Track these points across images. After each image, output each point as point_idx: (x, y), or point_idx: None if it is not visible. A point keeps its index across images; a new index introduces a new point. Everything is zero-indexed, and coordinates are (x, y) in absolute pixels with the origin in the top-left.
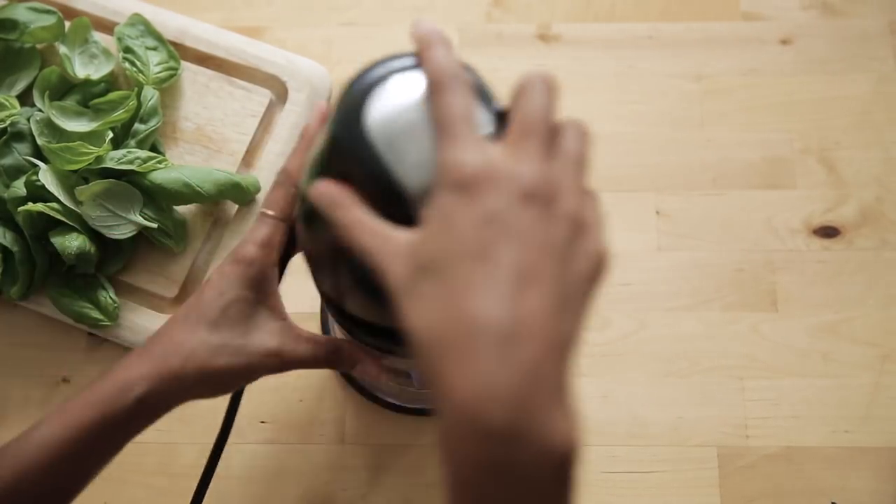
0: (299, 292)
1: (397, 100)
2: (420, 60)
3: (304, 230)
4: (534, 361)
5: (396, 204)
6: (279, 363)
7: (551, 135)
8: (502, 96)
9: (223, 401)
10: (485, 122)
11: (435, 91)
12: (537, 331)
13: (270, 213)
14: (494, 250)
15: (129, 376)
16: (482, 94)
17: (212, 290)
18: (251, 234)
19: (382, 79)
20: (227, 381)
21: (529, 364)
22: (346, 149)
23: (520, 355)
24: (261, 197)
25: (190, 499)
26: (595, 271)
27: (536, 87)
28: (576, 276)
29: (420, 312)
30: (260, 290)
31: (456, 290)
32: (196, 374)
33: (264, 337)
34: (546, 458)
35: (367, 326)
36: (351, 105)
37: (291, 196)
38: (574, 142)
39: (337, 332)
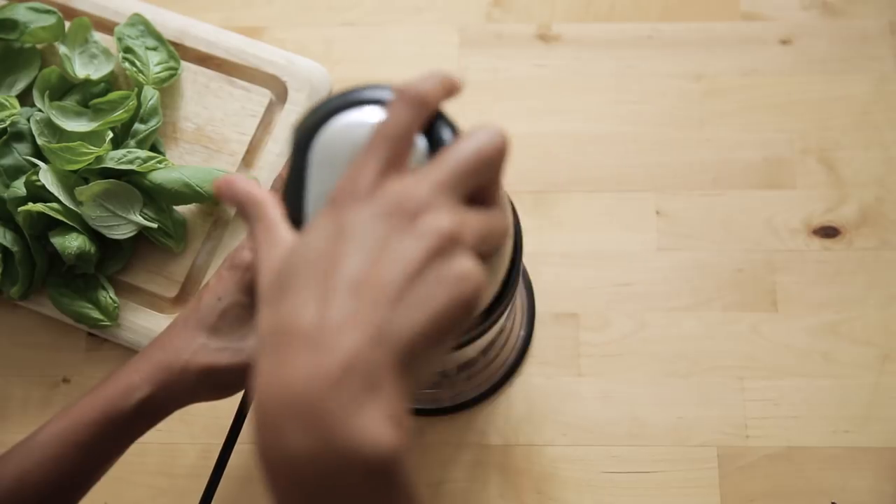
0: None
1: (346, 129)
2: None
3: None
4: (339, 365)
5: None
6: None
7: (408, 145)
8: (502, 96)
9: (223, 402)
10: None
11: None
12: (348, 338)
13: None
14: (335, 259)
15: (132, 380)
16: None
17: (210, 296)
18: (247, 239)
19: (349, 105)
20: (228, 381)
21: (332, 367)
22: (291, 169)
23: (323, 358)
24: None
25: (190, 499)
26: (451, 292)
27: (481, 134)
28: (422, 293)
29: (261, 318)
30: (254, 294)
31: (287, 295)
32: (197, 376)
33: (250, 342)
34: (353, 465)
35: None
36: (308, 127)
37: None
38: (454, 152)
39: None
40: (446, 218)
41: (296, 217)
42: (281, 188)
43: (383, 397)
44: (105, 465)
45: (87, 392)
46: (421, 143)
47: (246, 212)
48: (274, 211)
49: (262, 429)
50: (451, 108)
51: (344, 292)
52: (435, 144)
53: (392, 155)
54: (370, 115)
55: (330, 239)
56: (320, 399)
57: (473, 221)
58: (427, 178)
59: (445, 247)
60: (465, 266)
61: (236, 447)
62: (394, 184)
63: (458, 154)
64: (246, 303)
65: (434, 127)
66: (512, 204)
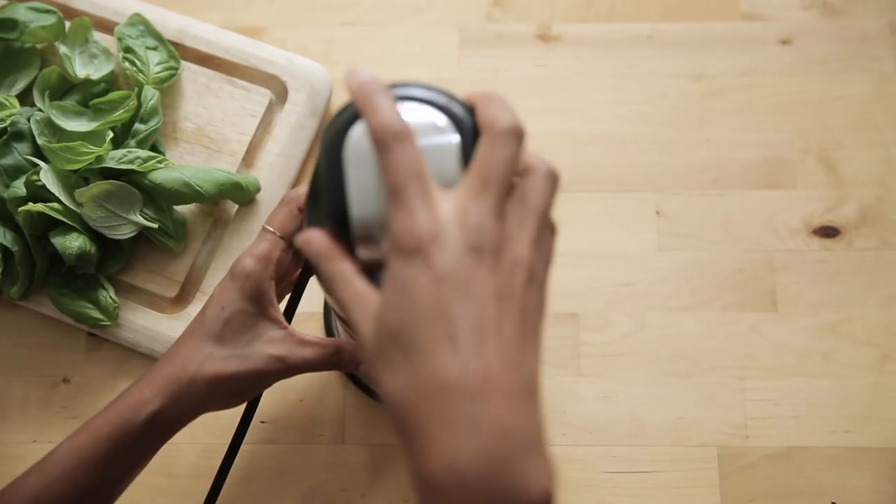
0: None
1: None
2: (361, 114)
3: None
4: (503, 414)
5: (344, 229)
6: (285, 367)
7: (511, 183)
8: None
9: None
10: (446, 155)
11: (380, 151)
12: (500, 381)
13: (271, 229)
14: (448, 309)
15: (143, 394)
16: (449, 112)
17: (214, 306)
18: (250, 248)
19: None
20: (238, 388)
21: (499, 418)
22: (323, 173)
23: (489, 411)
24: (261, 197)
25: (190, 499)
26: (541, 315)
27: (504, 129)
28: (530, 319)
29: (392, 381)
30: (259, 303)
31: (420, 355)
32: (207, 385)
33: (268, 344)
34: None
35: None
36: (335, 131)
37: (294, 216)
38: (537, 193)
39: (341, 332)
40: (528, 250)
41: (338, 218)
42: (310, 188)
43: (544, 437)
44: (124, 479)
45: (102, 409)
46: (454, 139)
47: (322, 271)
48: (348, 266)
49: (438, 477)
50: None
51: (472, 339)
52: (464, 134)
53: (501, 192)
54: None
55: (430, 289)
56: (499, 447)
57: (545, 256)
58: (525, 235)
59: (531, 275)
60: (544, 297)
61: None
62: (477, 220)
63: (539, 205)
64: (249, 310)
65: (454, 112)
66: None
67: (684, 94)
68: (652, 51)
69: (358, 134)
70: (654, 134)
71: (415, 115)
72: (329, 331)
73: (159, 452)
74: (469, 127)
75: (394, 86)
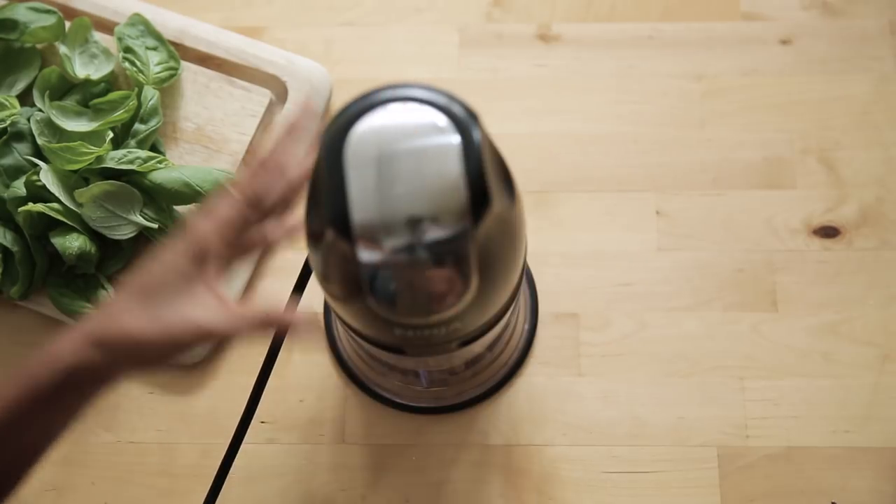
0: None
1: (380, 129)
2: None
3: (312, 255)
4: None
5: (345, 231)
6: (201, 334)
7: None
8: (502, 96)
9: (224, 402)
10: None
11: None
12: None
13: (232, 191)
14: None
15: (60, 348)
16: (449, 112)
17: (155, 262)
18: (208, 209)
19: (372, 106)
20: (149, 351)
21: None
22: (322, 175)
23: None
24: None
25: (190, 499)
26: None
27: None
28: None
29: None
30: (201, 266)
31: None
32: (117, 342)
33: (191, 309)
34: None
35: (373, 340)
36: (335, 133)
37: (258, 180)
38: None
39: (341, 333)
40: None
41: (338, 220)
42: (309, 189)
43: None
44: (43, 442)
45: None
46: (454, 139)
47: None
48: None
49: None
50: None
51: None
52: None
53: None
54: (396, 115)
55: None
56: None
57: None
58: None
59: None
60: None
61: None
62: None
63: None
64: (189, 273)
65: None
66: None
67: (685, 94)
68: (652, 51)
69: (358, 135)
70: (655, 134)
71: (415, 115)
72: (329, 331)
73: (159, 452)
74: (469, 127)
75: (394, 86)
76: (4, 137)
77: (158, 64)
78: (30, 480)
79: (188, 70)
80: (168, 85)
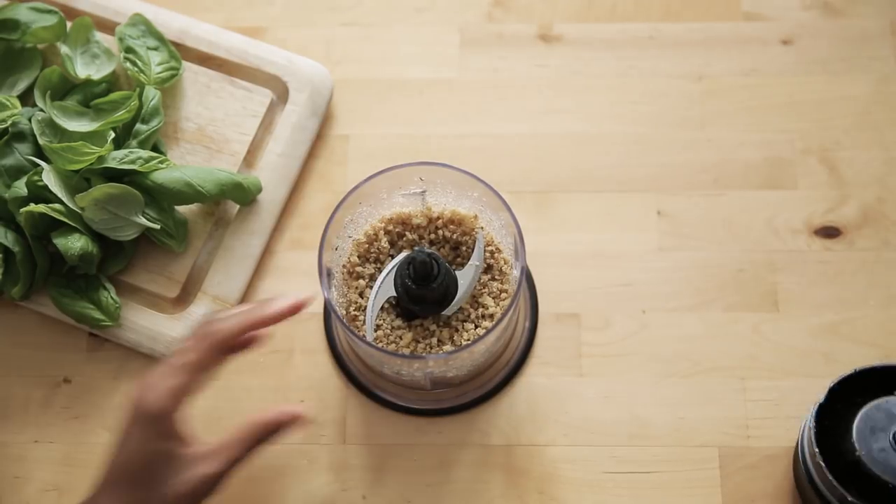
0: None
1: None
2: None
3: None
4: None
5: None
6: (204, 490)
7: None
8: (502, 96)
9: (224, 401)
10: None
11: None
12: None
13: (186, 360)
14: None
15: None
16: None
17: (128, 452)
18: (160, 380)
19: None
20: None
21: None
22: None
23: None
24: (262, 197)
25: None
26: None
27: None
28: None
29: None
30: (172, 438)
31: None
32: None
33: (184, 478)
34: None
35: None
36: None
37: (215, 352)
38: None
39: (340, 334)
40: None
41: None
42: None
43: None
44: None
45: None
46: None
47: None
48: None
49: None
50: (451, 109)
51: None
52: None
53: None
54: None
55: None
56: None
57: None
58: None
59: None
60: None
61: None
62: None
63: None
64: (164, 449)
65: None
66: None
67: (685, 94)
68: (653, 51)
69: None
70: (656, 134)
71: None
72: (329, 331)
73: None
74: None
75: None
76: (6, 138)
77: (160, 64)
78: (31, 481)
79: (189, 70)
80: (169, 85)
